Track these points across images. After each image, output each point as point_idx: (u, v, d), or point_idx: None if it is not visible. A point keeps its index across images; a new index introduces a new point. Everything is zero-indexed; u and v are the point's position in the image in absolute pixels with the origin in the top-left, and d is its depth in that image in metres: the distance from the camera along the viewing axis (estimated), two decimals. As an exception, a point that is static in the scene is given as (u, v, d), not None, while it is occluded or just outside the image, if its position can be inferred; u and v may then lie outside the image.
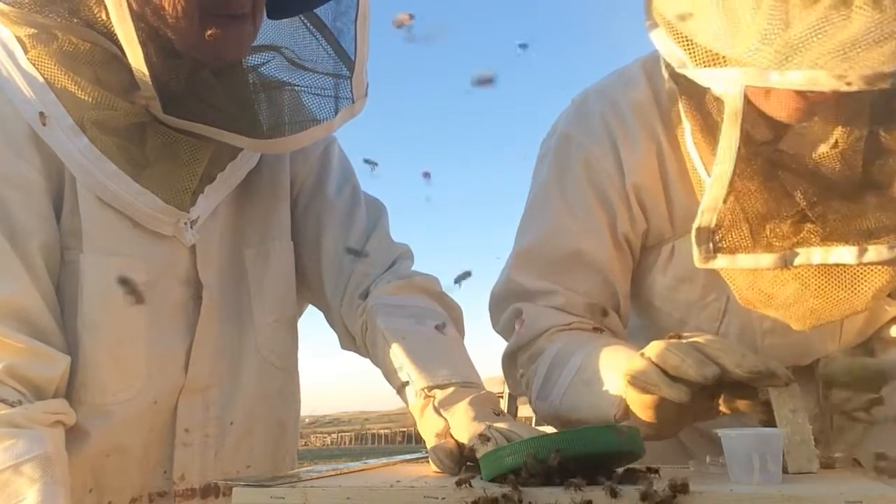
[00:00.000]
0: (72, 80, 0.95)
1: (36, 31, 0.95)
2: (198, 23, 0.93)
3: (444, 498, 0.67)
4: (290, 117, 1.07)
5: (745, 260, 0.96)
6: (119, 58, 0.95)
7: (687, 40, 0.91)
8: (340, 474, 0.80)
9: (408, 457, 1.01)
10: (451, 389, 0.91)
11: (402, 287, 1.11)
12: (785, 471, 0.74)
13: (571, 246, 1.12)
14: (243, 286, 1.12)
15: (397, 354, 0.99)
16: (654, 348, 0.84)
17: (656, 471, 0.74)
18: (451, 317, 1.11)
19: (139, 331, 1.00)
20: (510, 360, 1.16)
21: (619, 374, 0.89)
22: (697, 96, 0.97)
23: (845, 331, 1.11)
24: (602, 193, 1.12)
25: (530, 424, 1.18)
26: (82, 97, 0.95)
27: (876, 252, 0.92)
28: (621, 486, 0.65)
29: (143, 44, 0.92)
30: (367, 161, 1.24)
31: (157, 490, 1.04)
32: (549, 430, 1.01)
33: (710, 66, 0.88)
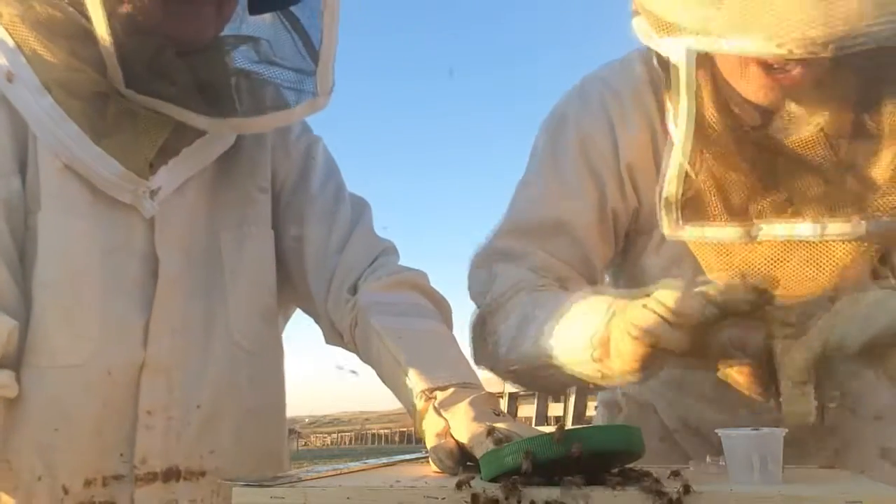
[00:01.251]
0: (42, 45, 0.99)
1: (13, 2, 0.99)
2: (161, 1, 0.97)
3: (444, 498, 0.67)
4: (250, 103, 1.09)
5: (711, 232, 0.98)
6: (91, 33, 0.98)
7: (651, 13, 0.94)
8: (340, 474, 0.80)
9: (408, 457, 1.01)
10: (451, 390, 0.91)
11: (393, 284, 1.11)
12: (782, 424, 0.74)
13: (556, 215, 1.13)
14: (215, 268, 1.12)
15: (394, 354, 0.99)
16: (662, 295, 0.84)
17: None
18: (441, 311, 1.11)
19: (93, 296, 1.01)
20: (480, 324, 1.15)
21: (600, 318, 0.90)
22: (675, 75, 0.98)
23: None
24: (594, 170, 1.13)
25: (530, 425, 1.18)
26: (51, 60, 0.98)
27: (838, 228, 0.93)
28: (625, 487, 0.65)
29: (109, 16, 0.96)
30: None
31: (112, 473, 1.02)
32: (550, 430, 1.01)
33: (668, 35, 0.91)
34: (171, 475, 1.04)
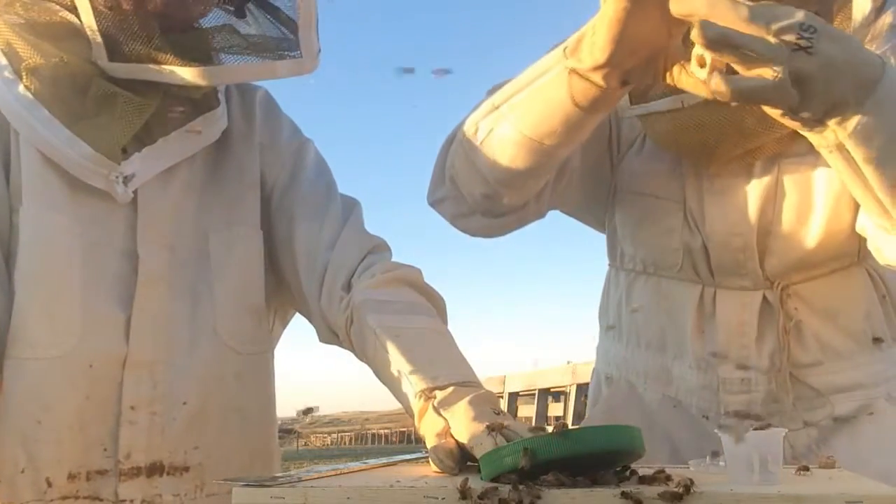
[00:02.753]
0: (18, 37, 1.00)
1: None
2: None
3: (444, 498, 0.67)
4: (236, 58, 1.10)
5: (655, 105, 1.04)
6: (76, 29, 1.00)
7: None
8: (340, 474, 0.80)
9: (408, 457, 1.01)
10: (450, 389, 0.91)
11: (387, 280, 1.11)
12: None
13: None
14: (203, 268, 1.12)
15: (392, 353, 0.99)
16: None
17: (663, 471, 0.74)
18: (436, 307, 1.11)
19: (73, 289, 1.01)
20: (446, 145, 1.14)
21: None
22: None
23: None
24: None
25: (530, 424, 1.18)
26: (25, 51, 1.00)
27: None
28: (630, 488, 0.65)
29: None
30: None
31: (96, 468, 1.02)
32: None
33: None
34: (155, 470, 1.05)
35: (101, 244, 1.05)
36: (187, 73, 1.02)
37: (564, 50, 0.92)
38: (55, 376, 0.99)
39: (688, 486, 0.63)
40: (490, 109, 1.05)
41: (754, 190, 1.11)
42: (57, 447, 1.00)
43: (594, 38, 0.87)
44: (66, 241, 1.02)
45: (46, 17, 1.01)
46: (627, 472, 0.72)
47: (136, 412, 1.04)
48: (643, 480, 0.70)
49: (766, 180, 1.10)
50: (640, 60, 0.88)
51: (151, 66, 1.01)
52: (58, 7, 1.01)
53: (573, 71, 0.92)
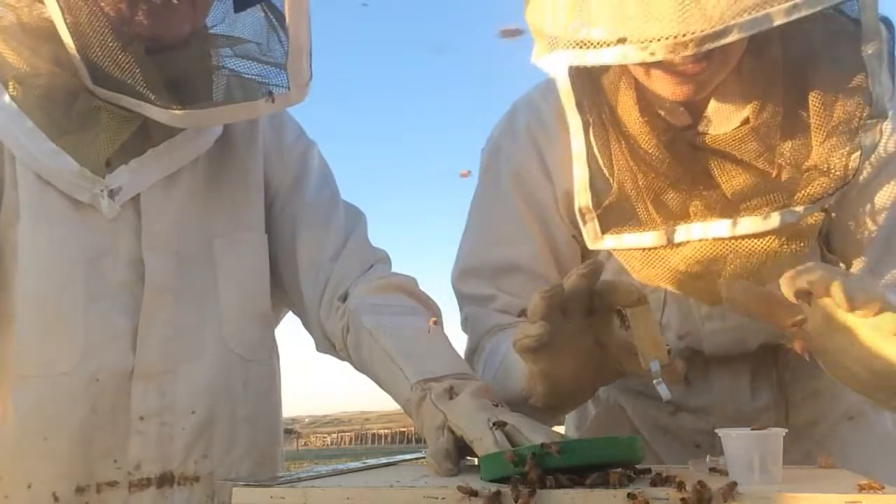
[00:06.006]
0: (7, 46, 0.98)
1: None
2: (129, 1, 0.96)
3: (444, 498, 0.67)
4: (218, 96, 1.08)
5: (629, 239, 0.95)
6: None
7: (534, 30, 0.91)
8: (340, 474, 0.81)
9: (408, 457, 1.01)
10: (446, 382, 0.90)
11: (382, 287, 1.11)
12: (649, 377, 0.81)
13: (507, 256, 1.13)
14: (209, 274, 1.11)
15: (387, 349, 0.99)
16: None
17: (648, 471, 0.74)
18: (431, 313, 1.11)
19: (77, 304, 1.00)
20: (469, 362, 1.16)
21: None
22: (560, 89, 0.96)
23: None
24: (533, 207, 1.13)
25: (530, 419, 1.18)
26: (14, 60, 0.98)
27: (750, 223, 0.90)
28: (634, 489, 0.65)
29: (66, 14, 0.95)
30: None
31: (106, 479, 1.01)
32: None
33: (548, 52, 0.87)
34: (165, 481, 1.04)
35: (105, 253, 1.03)
36: (168, 117, 1.00)
37: (522, 390, 0.93)
38: (60, 392, 0.98)
39: (682, 483, 0.63)
40: None
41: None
42: (63, 462, 0.99)
43: (537, 389, 0.89)
44: (68, 253, 1.00)
45: (31, 19, 0.99)
46: (632, 473, 0.72)
47: (145, 422, 1.03)
48: (654, 482, 0.70)
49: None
50: (588, 383, 0.90)
51: (134, 100, 0.99)
52: (45, 13, 0.98)
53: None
